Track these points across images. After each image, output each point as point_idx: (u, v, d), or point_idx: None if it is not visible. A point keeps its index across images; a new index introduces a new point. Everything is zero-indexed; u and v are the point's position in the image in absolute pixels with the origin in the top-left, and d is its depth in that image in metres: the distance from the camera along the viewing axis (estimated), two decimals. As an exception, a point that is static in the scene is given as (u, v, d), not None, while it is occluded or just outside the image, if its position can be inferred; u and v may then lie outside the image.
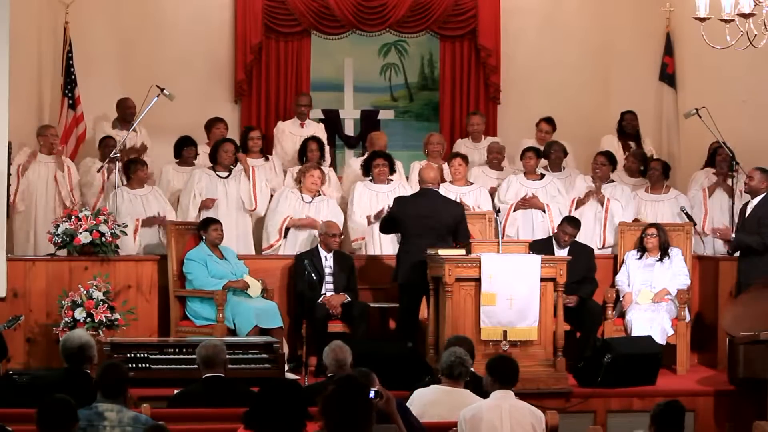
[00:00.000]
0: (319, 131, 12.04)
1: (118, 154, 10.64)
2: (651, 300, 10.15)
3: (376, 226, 10.50)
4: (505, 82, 13.07)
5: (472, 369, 6.97)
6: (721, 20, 8.01)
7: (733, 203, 10.89)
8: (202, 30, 12.71)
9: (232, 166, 10.81)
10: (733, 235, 10.12)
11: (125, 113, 11.70)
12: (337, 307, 9.90)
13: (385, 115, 13.14)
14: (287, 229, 10.66)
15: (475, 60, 13.10)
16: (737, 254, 10.23)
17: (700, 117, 11.13)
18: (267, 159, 11.52)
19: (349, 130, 12.98)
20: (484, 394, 6.56)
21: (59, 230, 9.79)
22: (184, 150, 11.36)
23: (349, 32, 12.99)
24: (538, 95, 12.85)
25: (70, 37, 11.98)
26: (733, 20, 7.96)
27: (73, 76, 11.93)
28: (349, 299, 9.97)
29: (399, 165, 11.38)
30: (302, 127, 12.08)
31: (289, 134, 12.04)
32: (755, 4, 7.83)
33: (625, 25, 13.10)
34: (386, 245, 10.69)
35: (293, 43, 12.93)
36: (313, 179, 10.71)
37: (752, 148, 11.06)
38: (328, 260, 10.15)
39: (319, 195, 10.80)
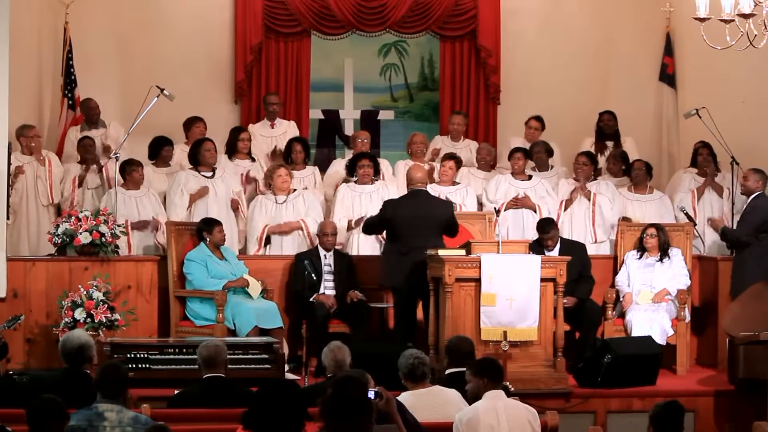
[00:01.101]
0: (291, 130, 12.00)
1: (118, 154, 10.60)
2: (651, 300, 10.14)
3: (356, 229, 10.56)
4: (505, 83, 13.06)
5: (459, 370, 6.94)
6: (721, 20, 8.01)
7: (733, 203, 10.89)
8: (202, 30, 12.71)
9: (215, 166, 10.79)
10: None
11: (89, 114, 11.67)
12: (333, 304, 9.91)
13: (385, 115, 13.15)
14: (268, 238, 10.65)
15: (475, 60, 13.10)
16: (733, 254, 10.29)
17: (700, 117, 11.14)
18: (253, 160, 11.45)
19: (349, 130, 12.97)
20: (472, 397, 6.51)
21: (59, 230, 9.78)
22: (163, 150, 11.29)
23: (349, 32, 12.99)
24: (537, 95, 12.85)
25: (70, 37, 12.00)
26: (733, 20, 7.96)
27: (73, 77, 11.95)
28: (362, 296, 9.96)
29: (384, 166, 11.36)
30: (272, 128, 12.04)
31: (260, 136, 11.97)
32: (755, 5, 7.83)
33: (625, 25, 13.09)
34: (364, 247, 10.68)
35: (293, 44, 12.93)
36: (282, 178, 10.67)
37: (752, 148, 11.06)
38: (327, 259, 10.17)
39: (295, 191, 10.77)
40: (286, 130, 11.96)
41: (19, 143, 10.95)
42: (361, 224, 10.12)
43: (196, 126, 11.51)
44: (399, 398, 6.65)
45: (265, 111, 12.16)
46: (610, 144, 12.09)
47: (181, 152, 11.34)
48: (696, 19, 8.08)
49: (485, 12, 13.00)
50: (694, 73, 12.54)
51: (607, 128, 12.10)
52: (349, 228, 10.77)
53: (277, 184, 10.69)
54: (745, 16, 7.84)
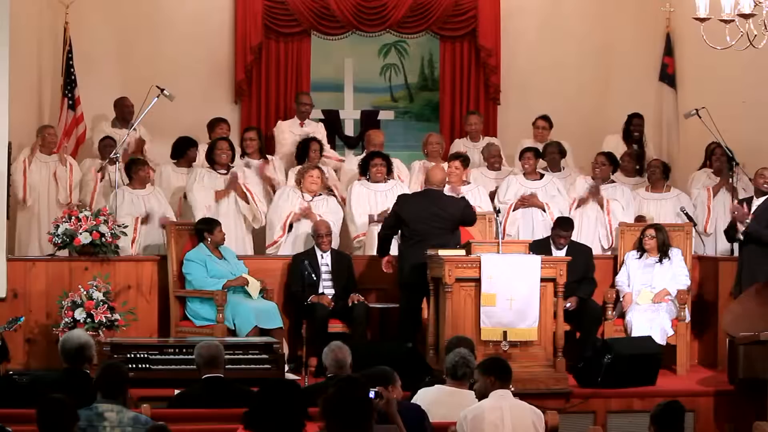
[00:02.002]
0: (319, 130, 12.02)
1: (119, 154, 10.61)
2: (651, 300, 10.14)
3: (375, 227, 10.49)
4: (505, 83, 13.07)
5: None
6: (721, 20, 8.01)
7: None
8: (202, 30, 12.72)
9: (230, 165, 10.79)
10: (748, 221, 10.00)
11: (123, 112, 11.71)
12: (329, 304, 9.91)
13: (385, 115, 13.15)
14: (291, 225, 10.64)
15: (475, 60, 13.11)
16: (736, 255, 10.26)
17: (700, 117, 11.14)
18: (266, 160, 11.45)
19: (349, 130, 12.98)
20: (480, 396, 6.54)
21: (59, 231, 9.78)
22: (189, 150, 11.31)
23: (349, 33, 13.00)
24: (538, 96, 12.85)
25: (69, 37, 11.99)
26: (733, 21, 7.96)
27: (73, 77, 11.95)
28: (362, 299, 9.95)
29: (397, 165, 11.35)
30: (302, 126, 12.06)
31: (290, 133, 12.01)
32: (755, 5, 7.83)
33: (625, 25, 13.10)
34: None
35: (293, 44, 12.94)
36: (312, 179, 10.68)
37: (752, 148, 11.07)
38: (324, 259, 10.16)
39: (320, 195, 10.79)
40: (314, 130, 11.97)
41: (38, 142, 11.00)
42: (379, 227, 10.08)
43: (220, 127, 11.56)
44: (429, 390, 6.71)
45: (296, 110, 12.17)
46: (635, 147, 12.11)
47: (203, 153, 11.34)
48: (696, 19, 8.08)
49: (485, 12, 13.01)
50: (694, 73, 12.54)
51: (637, 132, 12.12)
52: (371, 221, 10.74)
53: (306, 184, 10.67)
54: (745, 16, 7.84)
